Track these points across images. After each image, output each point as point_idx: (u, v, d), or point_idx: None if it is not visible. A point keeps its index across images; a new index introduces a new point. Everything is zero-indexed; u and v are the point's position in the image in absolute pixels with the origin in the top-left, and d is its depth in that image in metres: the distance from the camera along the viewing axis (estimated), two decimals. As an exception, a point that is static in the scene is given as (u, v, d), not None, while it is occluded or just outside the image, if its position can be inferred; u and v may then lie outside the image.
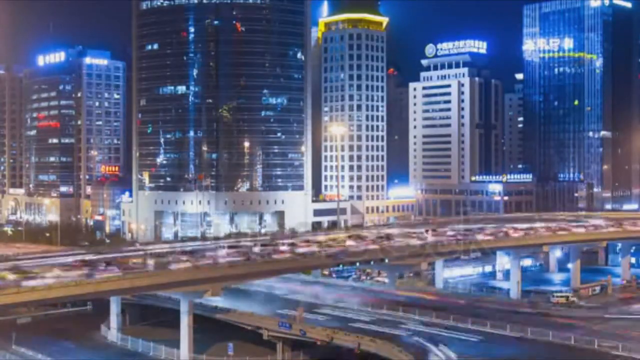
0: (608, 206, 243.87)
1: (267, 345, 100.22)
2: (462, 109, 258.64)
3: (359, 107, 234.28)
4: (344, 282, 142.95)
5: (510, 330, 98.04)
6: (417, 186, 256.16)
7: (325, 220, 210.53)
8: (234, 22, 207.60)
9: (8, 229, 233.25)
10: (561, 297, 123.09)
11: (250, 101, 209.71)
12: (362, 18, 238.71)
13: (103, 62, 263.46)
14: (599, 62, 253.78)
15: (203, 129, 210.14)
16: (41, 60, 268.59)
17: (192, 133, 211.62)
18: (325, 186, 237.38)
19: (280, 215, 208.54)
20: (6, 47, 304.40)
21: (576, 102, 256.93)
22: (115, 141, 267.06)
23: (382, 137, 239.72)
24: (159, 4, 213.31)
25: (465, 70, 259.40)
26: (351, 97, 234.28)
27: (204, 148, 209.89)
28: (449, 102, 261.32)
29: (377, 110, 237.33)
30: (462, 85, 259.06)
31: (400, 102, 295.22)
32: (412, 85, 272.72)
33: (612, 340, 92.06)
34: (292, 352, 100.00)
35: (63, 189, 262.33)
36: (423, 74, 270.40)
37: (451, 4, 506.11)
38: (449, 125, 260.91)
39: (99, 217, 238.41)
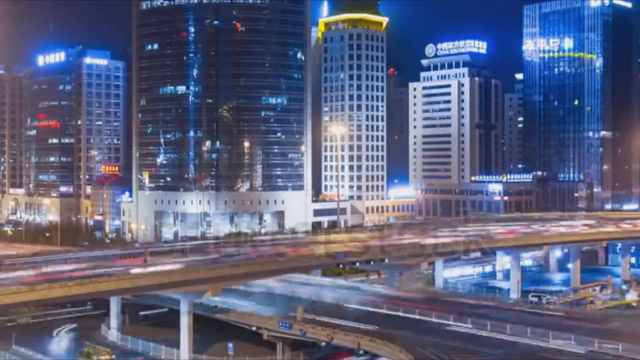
0: (608, 206, 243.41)
1: (267, 345, 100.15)
2: (462, 109, 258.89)
3: (359, 107, 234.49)
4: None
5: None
6: (417, 186, 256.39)
7: (325, 220, 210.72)
8: (234, 22, 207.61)
9: (8, 229, 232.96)
10: None
11: (250, 101, 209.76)
12: (362, 18, 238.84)
13: (103, 62, 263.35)
14: (599, 62, 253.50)
15: (203, 129, 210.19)
16: (41, 60, 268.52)
17: (192, 133, 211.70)
18: (325, 186, 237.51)
19: (280, 215, 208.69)
20: (6, 47, 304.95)
21: (576, 102, 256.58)
22: (115, 141, 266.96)
23: (382, 137, 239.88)
24: (159, 4, 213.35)
25: (465, 70, 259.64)
26: (351, 97, 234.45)
27: (204, 148, 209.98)
28: (449, 102, 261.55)
29: (377, 110, 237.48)
30: (462, 85, 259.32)
31: (400, 102, 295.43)
32: (412, 85, 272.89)
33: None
34: (292, 352, 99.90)
35: (63, 189, 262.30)
36: (423, 74, 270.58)
37: (451, 4, 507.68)
38: (449, 125, 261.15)
39: (99, 217, 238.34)
